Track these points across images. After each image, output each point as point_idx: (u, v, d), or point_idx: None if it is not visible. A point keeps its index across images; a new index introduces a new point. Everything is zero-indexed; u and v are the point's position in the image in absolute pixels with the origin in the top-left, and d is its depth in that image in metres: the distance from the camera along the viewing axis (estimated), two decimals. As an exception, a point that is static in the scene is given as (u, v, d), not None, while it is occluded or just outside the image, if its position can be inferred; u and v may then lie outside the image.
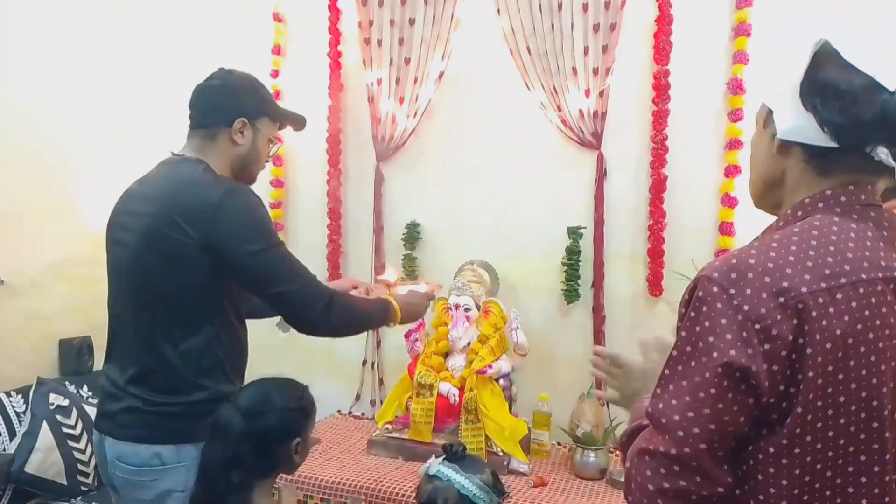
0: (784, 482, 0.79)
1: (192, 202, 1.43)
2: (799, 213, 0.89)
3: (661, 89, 2.38)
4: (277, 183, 2.98)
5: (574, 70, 2.47)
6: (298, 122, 1.73)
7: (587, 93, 2.46)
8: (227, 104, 1.56)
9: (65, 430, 2.41)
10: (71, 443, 2.40)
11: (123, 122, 2.95)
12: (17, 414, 2.43)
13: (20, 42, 2.61)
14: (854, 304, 0.79)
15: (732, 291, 0.80)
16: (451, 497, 1.55)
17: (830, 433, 0.78)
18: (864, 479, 0.80)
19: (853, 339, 0.78)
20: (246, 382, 1.51)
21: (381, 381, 2.90)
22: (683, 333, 0.83)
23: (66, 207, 2.78)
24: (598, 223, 2.49)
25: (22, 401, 2.47)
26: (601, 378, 1.17)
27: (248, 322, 1.63)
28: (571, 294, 2.52)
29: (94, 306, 2.69)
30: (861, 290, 0.79)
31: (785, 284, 0.79)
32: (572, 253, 2.51)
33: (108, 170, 2.82)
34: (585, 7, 2.46)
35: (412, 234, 2.79)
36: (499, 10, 2.56)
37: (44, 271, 2.71)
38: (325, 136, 2.85)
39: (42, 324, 2.70)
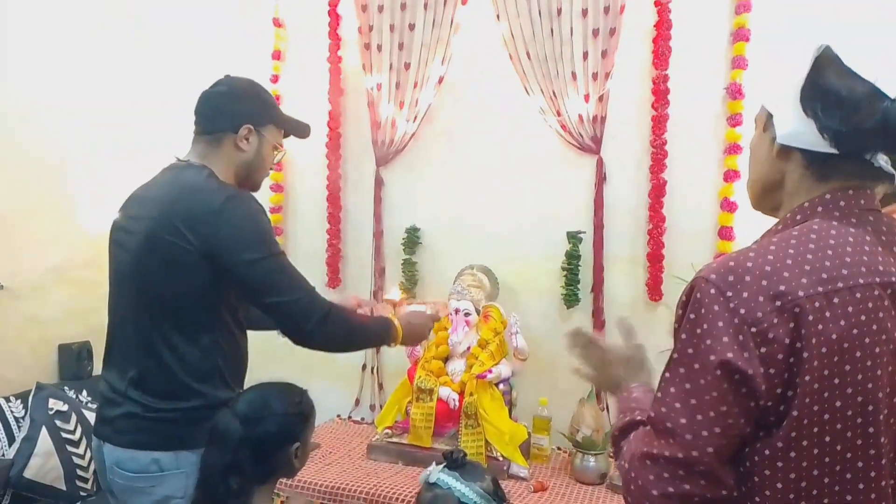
0: (779, 485, 0.79)
1: (194, 208, 1.43)
2: (798, 217, 0.89)
3: (660, 94, 2.39)
4: (277, 187, 2.98)
5: (573, 75, 2.47)
6: (303, 131, 1.73)
7: (587, 97, 2.47)
8: (233, 110, 1.56)
9: (64, 435, 2.40)
10: (70, 448, 2.40)
11: (123, 123, 2.95)
12: (17, 419, 2.43)
13: (20, 42, 2.61)
14: (851, 308, 0.79)
15: (729, 294, 0.80)
16: (451, 506, 1.54)
17: (827, 438, 0.78)
18: (861, 486, 0.80)
19: (849, 344, 0.78)
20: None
21: (380, 386, 2.90)
22: (683, 336, 0.83)
23: (65, 211, 2.78)
24: (598, 227, 2.49)
25: (21, 406, 2.46)
26: (574, 356, 1.14)
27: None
28: (571, 298, 2.52)
29: (93, 311, 2.70)
30: (858, 295, 0.79)
31: (782, 288, 0.79)
32: (572, 257, 2.52)
33: (108, 172, 2.83)
34: (585, 12, 2.46)
35: (412, 239, 2.79)
36: (498, 16, 2.57)
37: (43, 275, 2.71)
38: (324, 140, 2.86)
39: (41, 328, 2.70)
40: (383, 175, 2.84)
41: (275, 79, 2.95)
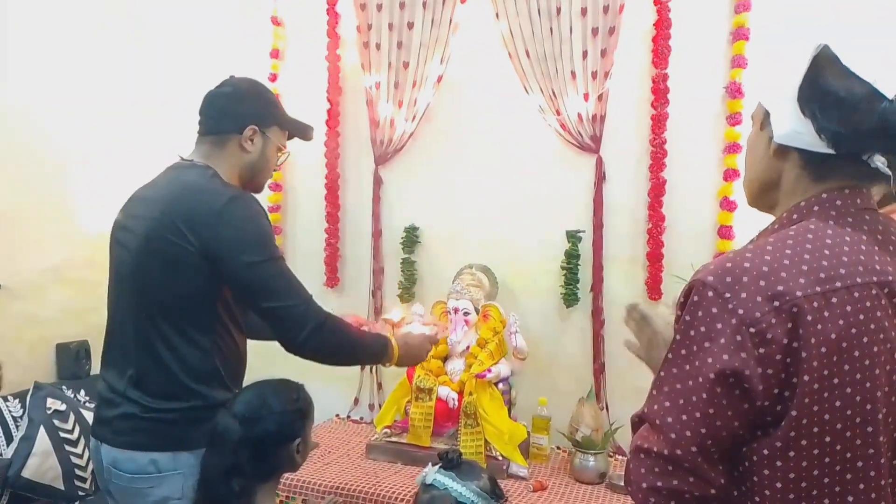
0: (779, 485, 0.79)
1: (195, 208, 1.42)
2: (794, 216, 0.89)
3: (659, 93, 2.38)
4: (276, 186, 2.98)
5: (573, 74, 2.47)
6: (307, 132, 1.73)
7: (586, 96, 2.46)
8: (238, 111, 1.56)
9: (62, 434, 2.40)
10: (68, 447, 2.40)
11: (123, 123, 2.95)
12: (14, 418, 2.42)
13: (20, 42, 2.61)
14: (849, 308, 0.79)
15: (728, 295, 0.80)
16: (449, 506, 1.53)
17: (826, 437, 0.78)
18: (861, 485, 0.80)
19: (847, 344, 0.78)
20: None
21: (379, 385, 2.90)
22: (678, 337, 0.84)
23: (64, 210, 2.78)
24: (598, 227, 2.49)
25: (19, 405, 2.46)
26: (630, 329, 1.12)
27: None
28: (570, 298, 2.52)
29: (91, 310, 2.70)
30: (856, 295, 0.79)
31: (780, 288, 0.79)
32: (571, 257, 2.51)
33: (108, 172, 2.83)
34: (584, 11, 2.46)
35: (411, 238, 2.78)
36: (497, 14, 2.57)
37: (42, 275, 2.71)
38: (323, 139, 2.85)
39: (39, 328, 2.70)
40: (382, 174, 2.84)
41: (273, 77, 2.95)
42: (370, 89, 2.79)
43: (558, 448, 2.46)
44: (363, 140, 2.85)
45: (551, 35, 2.49)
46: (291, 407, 1.42)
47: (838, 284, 0.79)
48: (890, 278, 0.82)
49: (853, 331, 0.78)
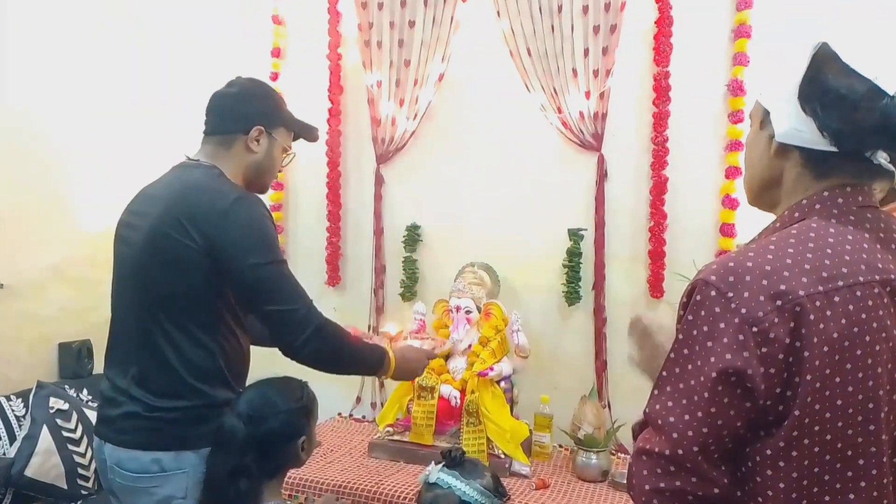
0: (782, 485, 0.79)
1: (200, 206, 1.42)
2: (796, 215, 0.89)
3: (661, 91, 2.38)
4: (277, 185, 2.98)
5: (574, 72, 2.47)
6: (312, 134, 1.73)
7: (587, 94, 2.46)
8: (245, 111, 1.56)
9: (65, 433, 2.40)
10: (71, 446, 2.40)
11: (123, 123, 2.95)
12: (17, 418, 2.43)
13: (20, 42, 2.61)
14: (851, 306, 0.79)
15: (730, 294, 0.80)
16: (452, 504, 1.54)
17: (828, 436, 0.78)
18: (863, 484, 0.80)
19: (850, 342, 0.78)
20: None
21: (381, 384, 2.90)
22: (681, 336, 0.84)
23: (65, 209, 2.78)
24: (599, 225, 2.49)
25: (21, 404, 2.46)
26: (633, 342, 1.10)
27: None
28: (572, 296, 2.51)
29: (93, 309, 2.71)
30: (858, 293, 0.79)
31: (783, 287, 0.79)
32: (573, 255, 2.51)
33: (108, 172, 2.83)
34: (585, 9, 2.45)
35: (412, 237, 2.78)
36: (499, 13, 2.56)
37: (43, 274, 2.71)
38: (324, 138, 2.85)
39: (41, 327, 2.70)
40: (383, 173, 2.84)
41: (274, 76, 2.95)
42: (371, 88, 2.79)
43: (560, 446, 2.46)
44: (364, 139, 2.85)
45: (552, 33, 2.49)
46: (296, 405, 1.43)
47: (840, 283, 0.79)
48: (892, 277, 0.82)
49: (855, 329, 0.78)
